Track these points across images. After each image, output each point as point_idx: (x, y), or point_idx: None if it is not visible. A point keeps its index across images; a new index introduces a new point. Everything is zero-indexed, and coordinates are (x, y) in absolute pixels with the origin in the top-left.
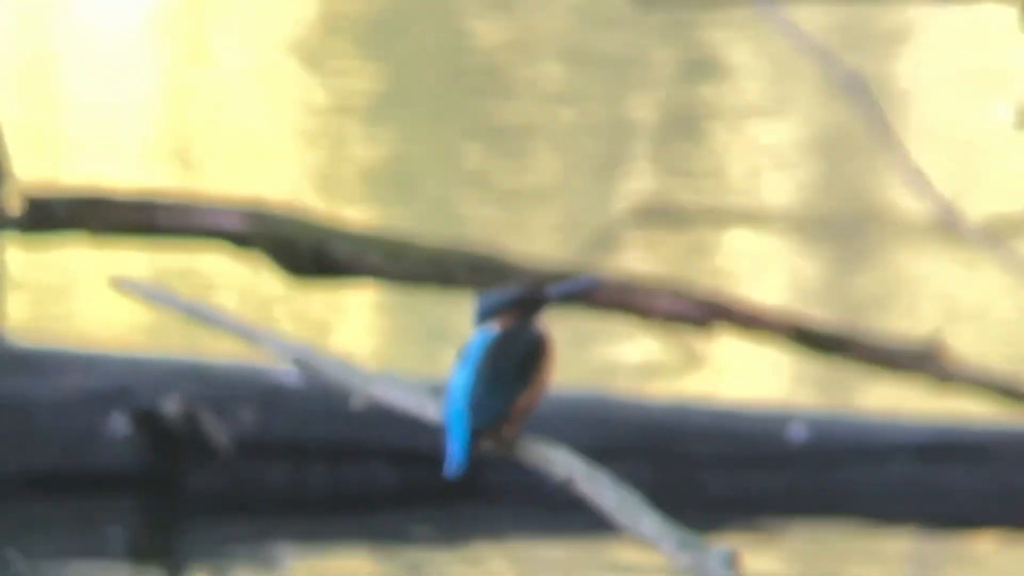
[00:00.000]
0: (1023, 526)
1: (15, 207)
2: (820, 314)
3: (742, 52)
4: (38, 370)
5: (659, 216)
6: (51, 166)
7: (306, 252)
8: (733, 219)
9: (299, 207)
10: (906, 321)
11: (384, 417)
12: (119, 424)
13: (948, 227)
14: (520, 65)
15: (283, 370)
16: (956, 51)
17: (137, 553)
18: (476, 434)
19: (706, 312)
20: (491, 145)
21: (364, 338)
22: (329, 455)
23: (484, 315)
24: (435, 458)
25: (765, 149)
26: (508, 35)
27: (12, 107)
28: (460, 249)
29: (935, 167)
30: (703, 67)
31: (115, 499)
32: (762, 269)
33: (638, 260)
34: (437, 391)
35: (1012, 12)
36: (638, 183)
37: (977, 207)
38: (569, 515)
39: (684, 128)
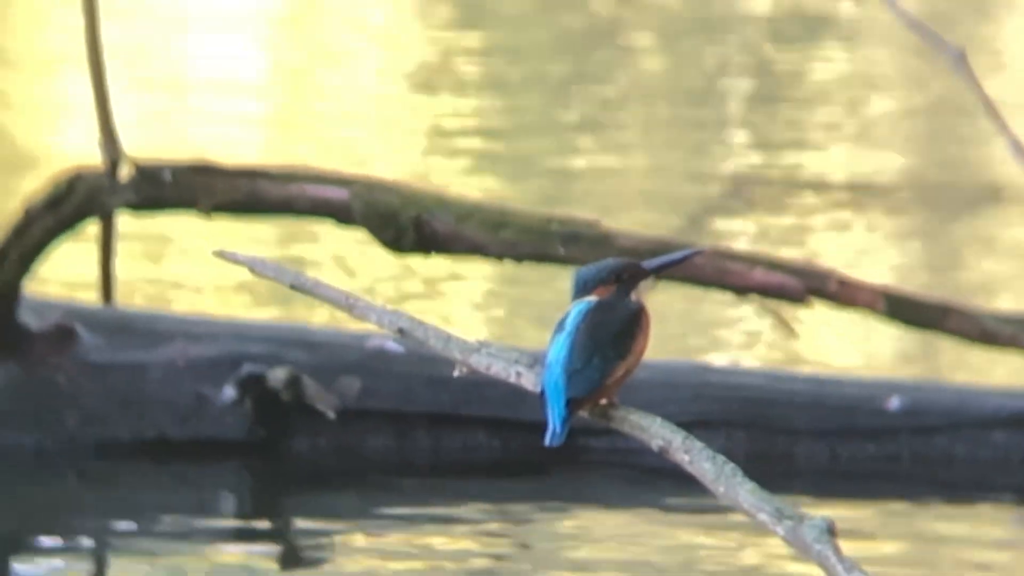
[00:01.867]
0: None
1: (124, 176)
2: (920, 288)
3: (845, 24)
4: (148, 337)
5: (757, 190)
6: (162, 144)
7: (407, 226)
8: (831, 192)
9: (400, 181)
10: (1008, 295)
11: (484, 386)
12: (227, 391)
13: None
14: (622, 35)
15: (385, 339)
16: None
17: (244, 518)
18: (573, 403)
19: (802, 285)
20: (591, 117)
21: (467, 309)
22: (430, 423)
23: (582, 287)
24: (534, 427)
25: (867, 121)
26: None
27: (127, 83)
28: (559, 220)
29: None
30: (808, 34)
31: (223, 465)
32: (861, 243)
33: (735, 234)
34: (535, 361)
35: None
36: (737, 156)
37: None
38: (666, 484)
39: (782, 100)
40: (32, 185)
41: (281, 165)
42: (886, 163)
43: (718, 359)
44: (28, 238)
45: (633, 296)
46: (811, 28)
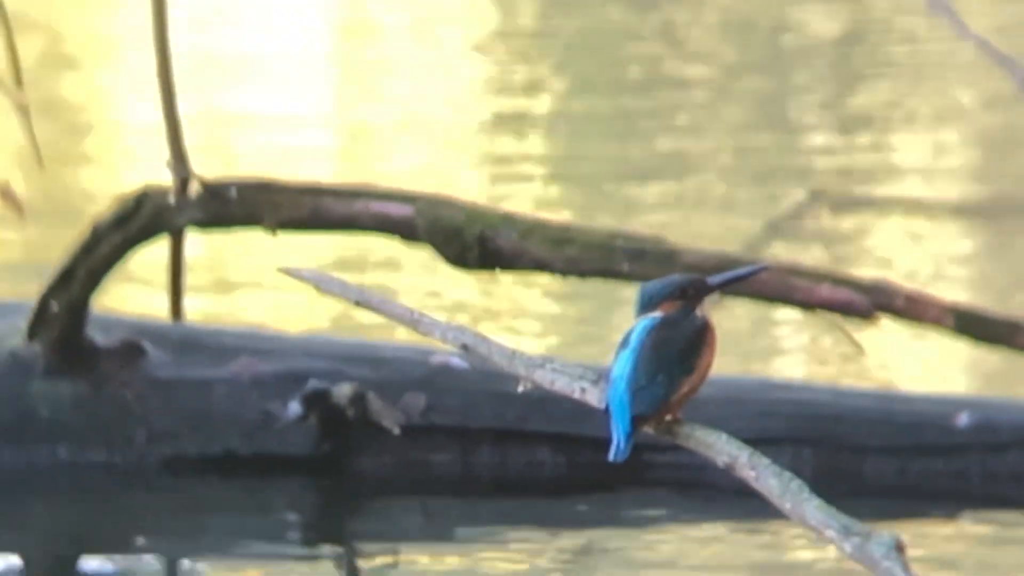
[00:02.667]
0: None
1: (193, 192)
2: (985, 303)
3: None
4: (214, 353)
5: (825, 206)
6: (225, 167)
7: (471, 242)
8: (900, 208)
9: (463, 198)
10: None
11: (549, 402)
12: (292, 407)
13: None
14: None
15: (450, 355)
16: None
17: (309, 534)
18: (638, 419)
19: (868, 301)
20: (659, 136)
21: (530, 324)
22: (495, 439)
23: (647, 302)
24: (599, 442)
25: (934, 141)
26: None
27: (191, 106)
28: (623, 235)
29: None
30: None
31: (288, 481)
32: (928, 259)
33: (802, 251)
34: (600, 377)
35: None
36: (804, 175)
37: None
38: (732, 501)
39: (852, 118)
40: (101, 205)
41: (345, 183)
42: (957, 181)
43: (784, 376)
44: (96, 255)
45: (698, 312)
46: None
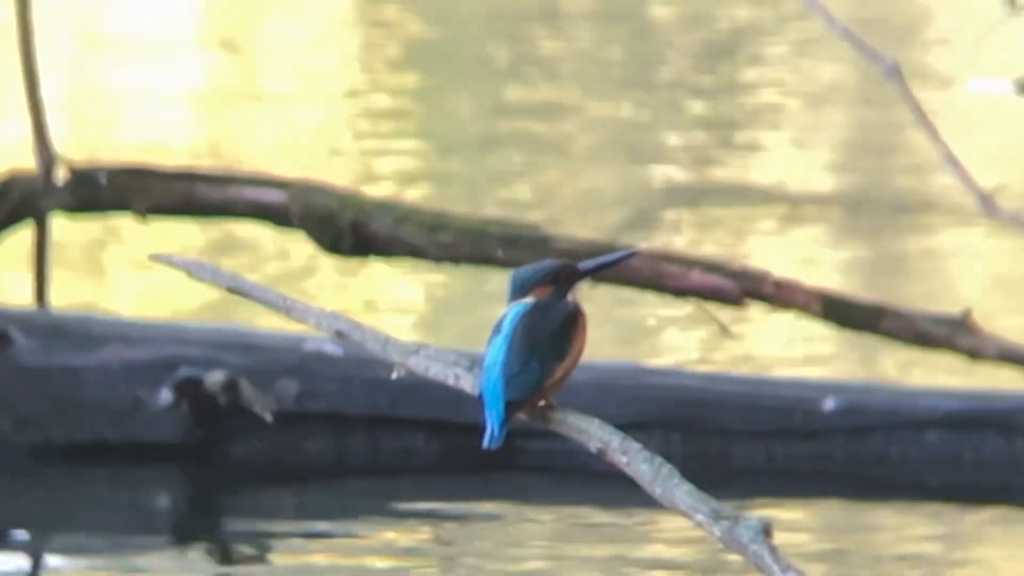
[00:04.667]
0: None
1: (60, 178)
2: (853, 291)
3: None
4: (83, 341)
5: (692, 196)
6: (95, 149)
7: (345, 228)
8: (765, 200)
9: (338, 184)
10: (940, 300)
11: (422, 388)
12: (163, 394)
13: (987, 213)
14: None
15: (323, 341)
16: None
17: (181, 522)
18: (512, 405)
19: (738, 287)
20: (530, 118)
21: (403, 310)
22: (369, 425)
23: (519, 288)
24: (472, 429)
25: (803, 131)
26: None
27: (58, 86)
28: (497, 222)
29: (973, 150)
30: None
31: (159, 468)
32: (795, 249)
33: (672, 239)
34: (474, 363)
35: None
36: (672, 164)
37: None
38: (604, 485)
39: (715, 105)
40: None
41: (218, 167)
42: (823, 172)
43: (655, 361)
44: None
45: (570, 297)
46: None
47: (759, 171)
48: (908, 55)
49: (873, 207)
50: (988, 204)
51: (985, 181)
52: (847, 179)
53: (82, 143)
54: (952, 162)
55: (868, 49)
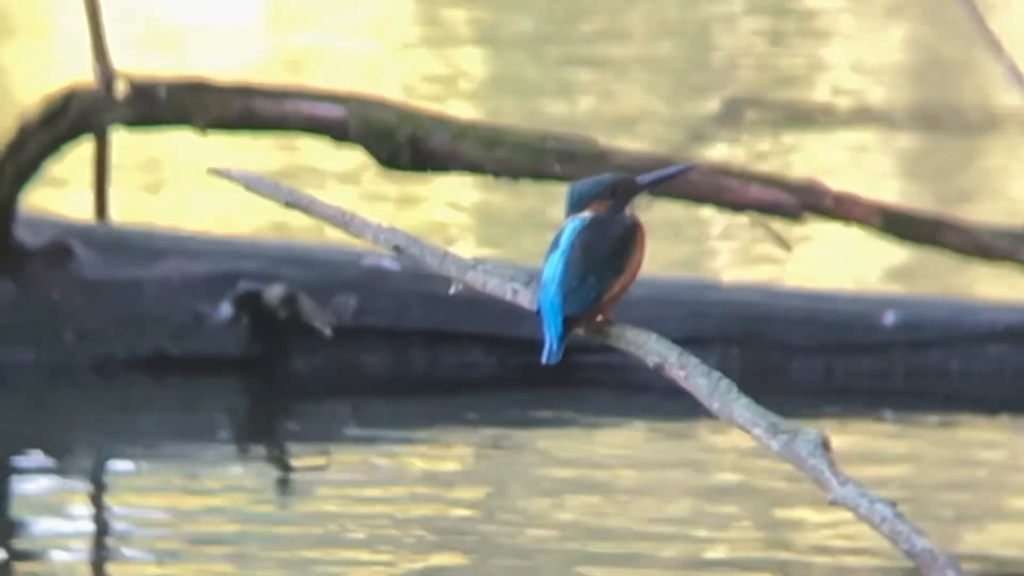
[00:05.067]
0: None
1: (120, 93)
2: (914, 204)
3: None
4: (144, 255)
5: (752, 110)
6: (156, 62)
7: (403, 143)
8: (827, 114)
9: (396, 100)
10: (1001, 213)
11: (480, 303)
12: (223, 308)
13: None
14: None
15: (381, 256)
16: None
17: (241, 435)
18: (569, 320)
19: (797, 201)
20: (581, 44)
21: (463, 225)
22: (426, 340)
23: (576, 203)
24: (530, 344)
25: (862, 47)
26: None
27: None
28: (554, 137)
29: None
30: None
31: (219, 382)
32: (856, 163)
33: (730, 154)
34: (532, 278)
35: None
36: (731, 79)
37: None
38: (663, 400)
39: (778, 24)
40: (27, 103)
41: (276, 83)
42: (885, 87)
43: (714, 276)
44: (23, 155)
45: (628, 212)
46: None
47: (817, 86)
48: None
49: (933, 121)
50: None
51: None
52: (908, 94)
53: (141, 65)
54: (1017, 78)
55: None
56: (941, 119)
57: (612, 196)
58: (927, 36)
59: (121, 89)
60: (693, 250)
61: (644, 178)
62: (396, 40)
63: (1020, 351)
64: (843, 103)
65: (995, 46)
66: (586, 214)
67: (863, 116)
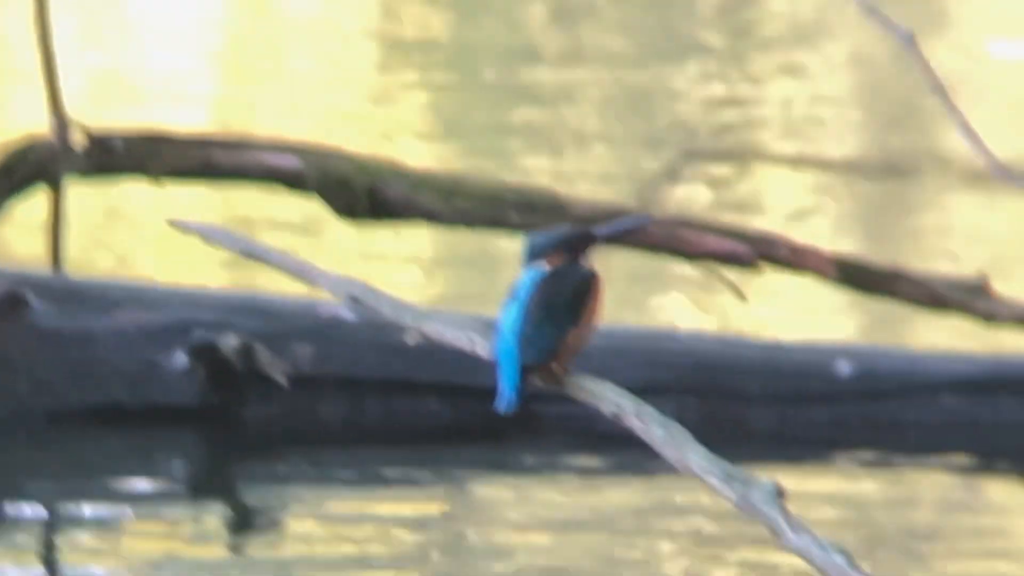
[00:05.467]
0: None
1: (77, 144)
2: (867, 254)
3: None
4: (99, 305)
5: (707, 159)
6: (114, 115)
7: (360, 193)
8: (781, 162)
9: (353, 150)
10: (953, 264)
11: (437, 353)
12: (179, 358)
13: (998, 179)
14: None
15: (337, 306)
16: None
17: (196, 484)
18: (526, 370)
19: (753, 250)
20: (537, 96)
21: (418, 276)
22: (383, 390)
23: (534, 254)
24: (487, 393)
25: (817, 96)
26: None
27: (79, 56)
28: (513, 187)
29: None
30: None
31: (174, 432)
32: (810, 212)
33: (686, 202)
34: (488, 328)
35: None
36: (687, 128)
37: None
38: (618, 450)
39: (733, 69)
40: None
41: (233, 133)
42: (839, 139)
43: (670, 325)
44: None
45: (584, 263)
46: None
47: (773, 137)
48: (926, 20)
49: (886, 173)
50: (1001, 170)
51: (1005, 145)
52: (861, 145)
53: (98, 118)
54: (967, 131)
55: (884, 18)
56: (895, 166)
57: (569, 248)
58: (882, 82)
59: (78, 140)
60: (650, 299)
61: (601, 230)
62: (354, 89)
63: (974, 402)
64: (796, 149)
65: (946, 100)
66: (543, 265)
67: (817, 163)
